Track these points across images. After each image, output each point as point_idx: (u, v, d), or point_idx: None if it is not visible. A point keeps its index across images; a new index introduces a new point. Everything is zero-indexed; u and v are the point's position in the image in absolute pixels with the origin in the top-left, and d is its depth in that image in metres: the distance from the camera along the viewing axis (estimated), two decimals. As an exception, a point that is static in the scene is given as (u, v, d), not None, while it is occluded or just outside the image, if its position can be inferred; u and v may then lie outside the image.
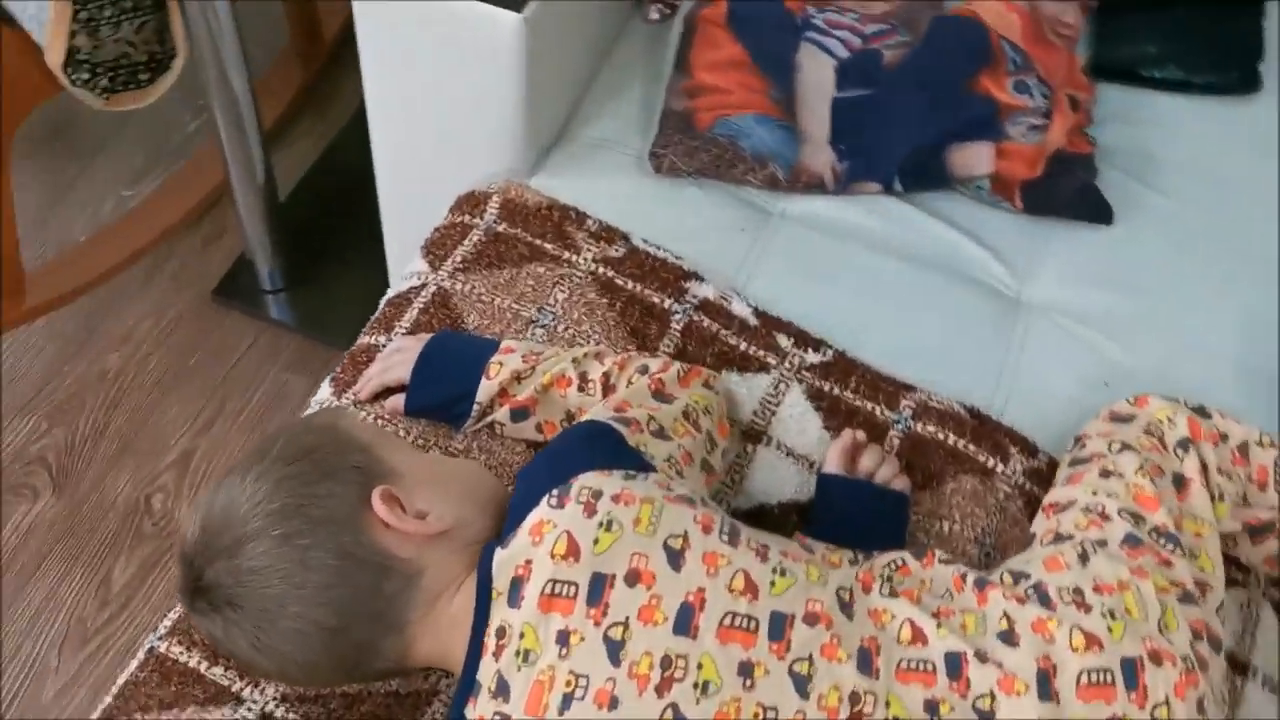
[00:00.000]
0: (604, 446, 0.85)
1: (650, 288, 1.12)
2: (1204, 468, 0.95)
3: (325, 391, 1.08)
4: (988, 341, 1.15)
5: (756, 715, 0.75)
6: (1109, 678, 0.78)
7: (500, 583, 0.79)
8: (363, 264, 1.59)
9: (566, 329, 1.09)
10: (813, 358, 1.09)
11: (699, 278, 1.13)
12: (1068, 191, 1.23)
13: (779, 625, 0.77)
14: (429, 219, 1.22)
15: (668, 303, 1.11)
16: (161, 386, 1.71)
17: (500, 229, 1.16)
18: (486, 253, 1.15)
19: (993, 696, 0.78)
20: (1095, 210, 1.24)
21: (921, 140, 1.22)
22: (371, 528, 0.82)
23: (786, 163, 1.22)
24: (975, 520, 1.00)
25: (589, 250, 1.14)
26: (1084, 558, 0.85)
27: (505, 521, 0.86)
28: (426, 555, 0.83)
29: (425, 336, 1.05)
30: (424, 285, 1.13)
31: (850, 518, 0.97)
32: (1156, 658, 0.79)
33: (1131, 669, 0.78)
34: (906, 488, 1.00)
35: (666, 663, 0.75)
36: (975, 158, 1.22)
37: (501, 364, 0.99)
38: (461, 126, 1.23)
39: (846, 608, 0.80)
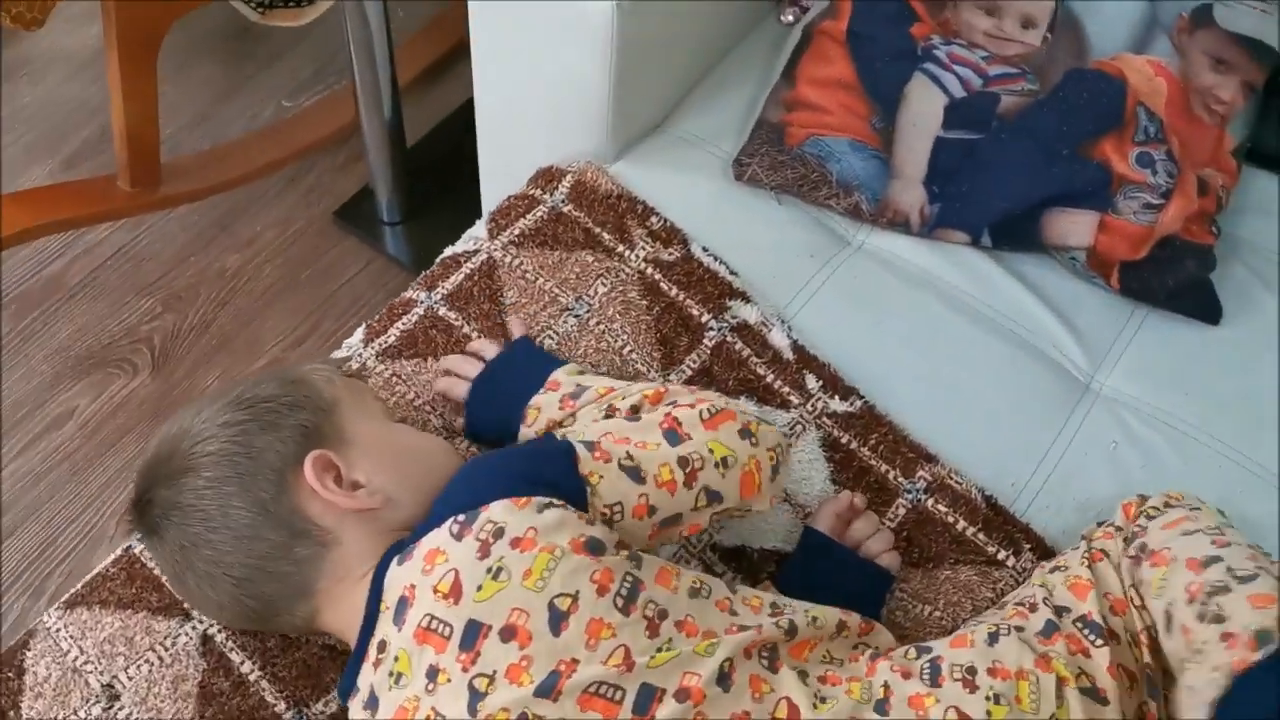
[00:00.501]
0: (545, 466, 0.82)
1: (693, 298, 1.09)
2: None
3: (357, 336, 1.10)
4: (1039, 423, 1.07)
5: None
6: None
7: (390, 597, 0.79)
8: (475, 214, 1.61)
9: (598, 323, 1.07)
10: (838, 405, 1.04)
11: (745, 298, 1.10)
12: (1172, 282, 1.13)
13: (646, 699, 0.73)
14: (518, 183, 1.22)
15: (705, 317, 1.08)
16: (270, 294, 1.78)
17: (565, 209, 1.15)
18: (544, 230, 1.14)
19: None
20: (1201, 307, 1.13)
21: (1021, 198, 1.15)
22: (298, 490, 0.83)
23: (873, 195, 1.17)
24: (958, 612, 0.94)
25: (643, 249, 1.12)
26: (993, 639, 0.81)
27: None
28: (348, 529, 0.83)
29: (494, 349, 1.02)
30: (477, 251, 1.14)
31: (826, 582, 0.92)
32: None
33: None
34: (895, 564, 0.95)
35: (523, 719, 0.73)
36: (1074, 227, 1.13)
37: (539, 410, 0.94)
38: (554, 104, 1.22)
39: (725, 679, 0.76)
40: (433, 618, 0.75)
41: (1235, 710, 0.73)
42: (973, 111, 1.17)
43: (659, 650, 0.75)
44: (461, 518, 0.78)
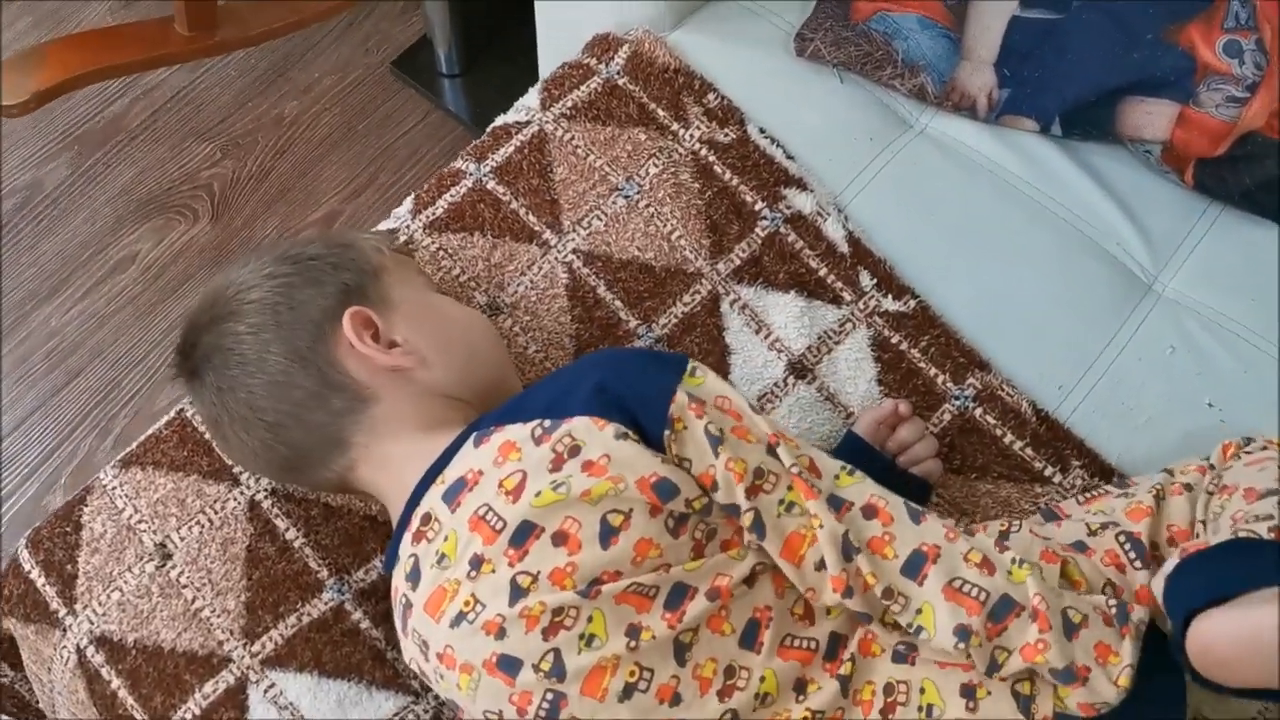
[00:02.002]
0: (640, 391, 0.79)
1: (747, 184, 1.06)
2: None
3: (406, 206, 1.10)
4: (1095, 324, 1.04)
5: (632, 674, 0.74)
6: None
7: (450, 474, 0.80)
8: (534, 71, 1.57)
9: (648, 205, 1.05)
10: (890, 304, 1.02)
11: (802, 185, 1.07)
12: (1250, 180, 1.07)
13: (679, 596, 0.76)
14: (574, 47, 1.19)
15: (759, 205, 1.05)
16: (327, 144, 1.77)
17: (620, 82, 1.12)
18: (598, 104, 1.11)
19: (853, 660, 0.77)
20: (1278, 208, 1.08)
21: (1097, 84, 1.09)
22: (336, 343, 0.86)
23: (940, 76, 1.12)
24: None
25: (698, 128, 1.09)
26: (1004, 535, 0.82)
27: (491, 392, 0.88)
28: (385, 387, 0.85)
29: None
30: (528, 122, 1.11)
31: None
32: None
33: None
34: (936, 471, 0.95)
35: (558, 612, 0.75)
36: (1151, 118, 1.08)
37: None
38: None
39: (751, 578, 0.77)
40: (490, 509, 0.77)
41: (1175, 582, 0.73)
42: (1054, -11, 1.10)
43: (703, 557, 0.77)
44: (547, 423, 0.79)
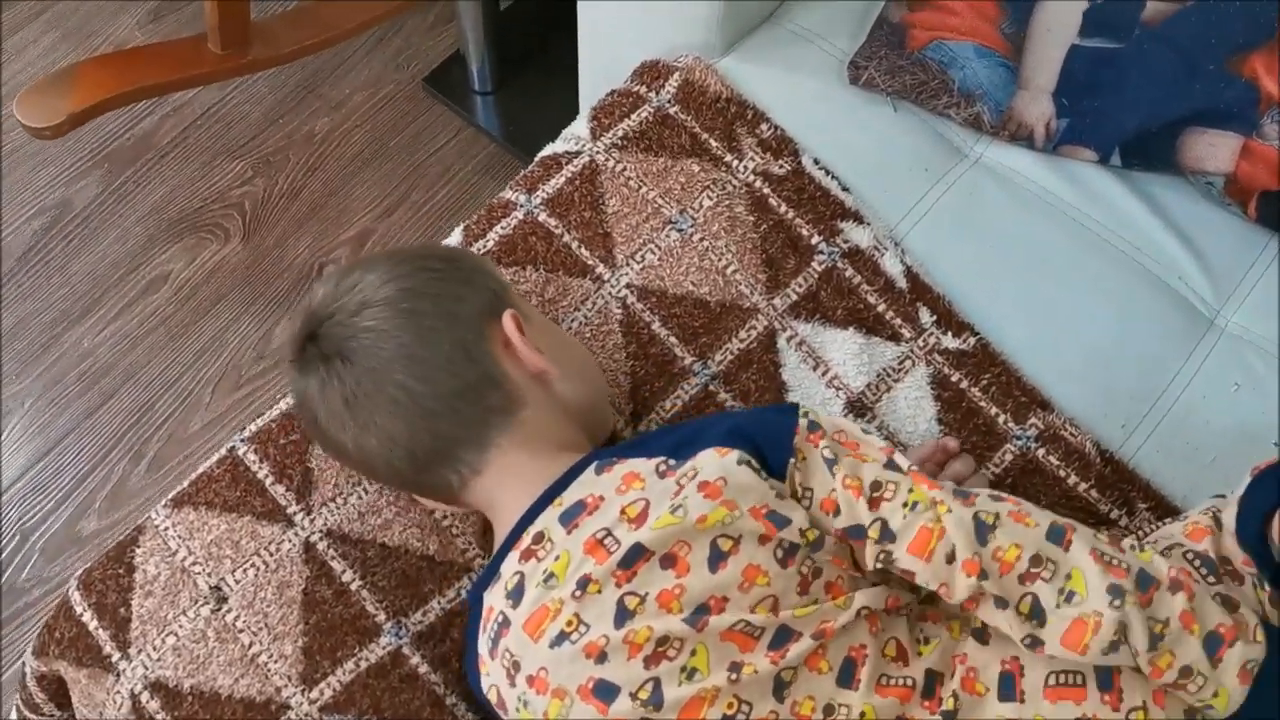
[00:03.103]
0: (764, 426, 0.82)
1: (803, 218, 1.05)
2: None
3: (455, 237, 1.08)
4: (1158, 360, 1.03)
5: (730, 706, 0.74)
6: (1079, 679, 0.75)
7: (568, 497, 0.81)
8: (570, 88, 1.55)
9: (702, 239, 1.04)
10: (950, 342, 1.00)
11: (858, 219, 1.05)
12: (1314, 213, 1.06)
13: (783, 638, 0.76)
14: (618, 70, 1.17)
15: (816, 239, 1.04)
16: (359, 161, 1.76)
17: (671, 111, 1.11)
18: (649, 134, 1.09)
19: (955, 698, 0.76)
20: (1341, 241, 1.07)
21: (1158, 115, 1.07)
22: (493, 341, 0.86)
23: (997, 105, 1.10)
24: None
25: (752, 159, 1.07)
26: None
27: (596, 422, 0.91)
28: (532, 392, 0.86)
29: None
30: (579, 153, 1.10)
31: None
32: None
33: (1107, 672, 0.75)
34: None
35: (663, 641, 0.75)
36: (1214, 150, 1.06)
37: None
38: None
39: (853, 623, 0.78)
40: (609, 533, 0.77)
41: (1250, 494, 0.80)
42: (1115, 17, 1.08)
43: (804, 605, 0.77)
44: (672, 462, 0.80)
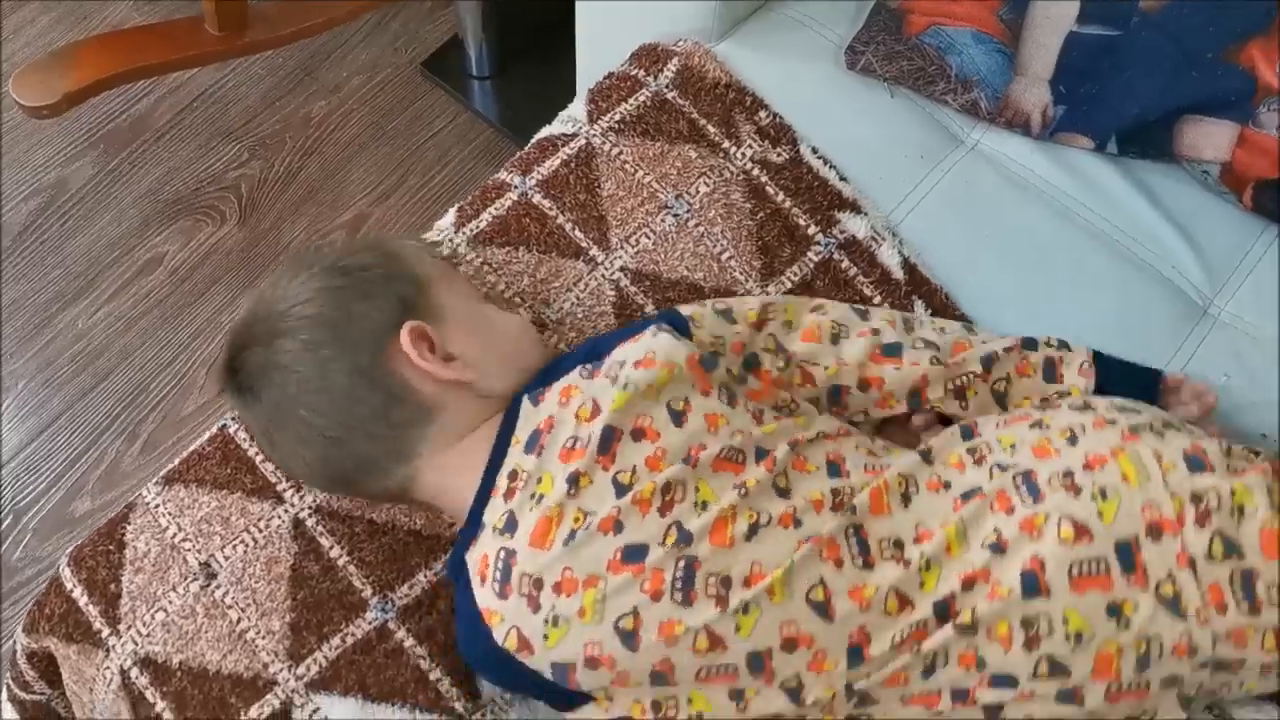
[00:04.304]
0: (661, 319, 0.89)
1: (800, 207, 1.05)
2: None
3: (448, 219, 1.08)
4: (1150, 348, 1.02)
5: (750, 516, 0.79)
6: (1102, 566, 0.76)
7: (521, 433, 0.83)
8: (568, 75, 1.55)
9: (698, 225, 1.04)
10: (943, 327, 1.00)
11: (856, 208, 1.05)
12: (1309, 202, 1.06)
13: (761, 455, 0.82)
14: (616, 55, 1.17)
15: (813, 229, 1.04)
16: (355, 145, 1.76)
17: (669, 95, 1.10)
18: (646, 118, 1.09)
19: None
20: (1336, 231, 1.07)
21: (1155, 103, 1.07)
22: (395, 358, 0.86)
23: (994, 92, 1.10)
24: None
25: (750, 146, 1.07)
26: (1072, 440, 0.82)
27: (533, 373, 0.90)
28: (446, 396, 0.86)
29: None
30: (575, 135, 1.09)
31: None
32: (1155, 530, 0.77)
33: (1127, 551, 0.76)
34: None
35: (667, 489, 0.80)
36: (1209, 139, 1.06)
37: None
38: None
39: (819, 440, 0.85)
40: (575, 439, 0.82)
41: None
42: (1112, 5, 1.08)
43: (767, 425, 0.84)
44: (590, 365, 0.85)
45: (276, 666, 0.90)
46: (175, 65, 1.63)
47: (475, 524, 0.84)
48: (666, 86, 1.11)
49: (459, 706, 0.89)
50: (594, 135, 1.09)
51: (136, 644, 0.91)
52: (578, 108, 1.12)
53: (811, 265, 1.02)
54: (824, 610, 0.77)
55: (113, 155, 1.74)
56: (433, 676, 0.90)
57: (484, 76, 1.76)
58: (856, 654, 0.78)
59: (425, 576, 0.93)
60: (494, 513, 0.83)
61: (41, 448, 1.54)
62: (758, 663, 0.78)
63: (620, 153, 1.07)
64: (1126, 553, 0.76)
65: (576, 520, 0.79)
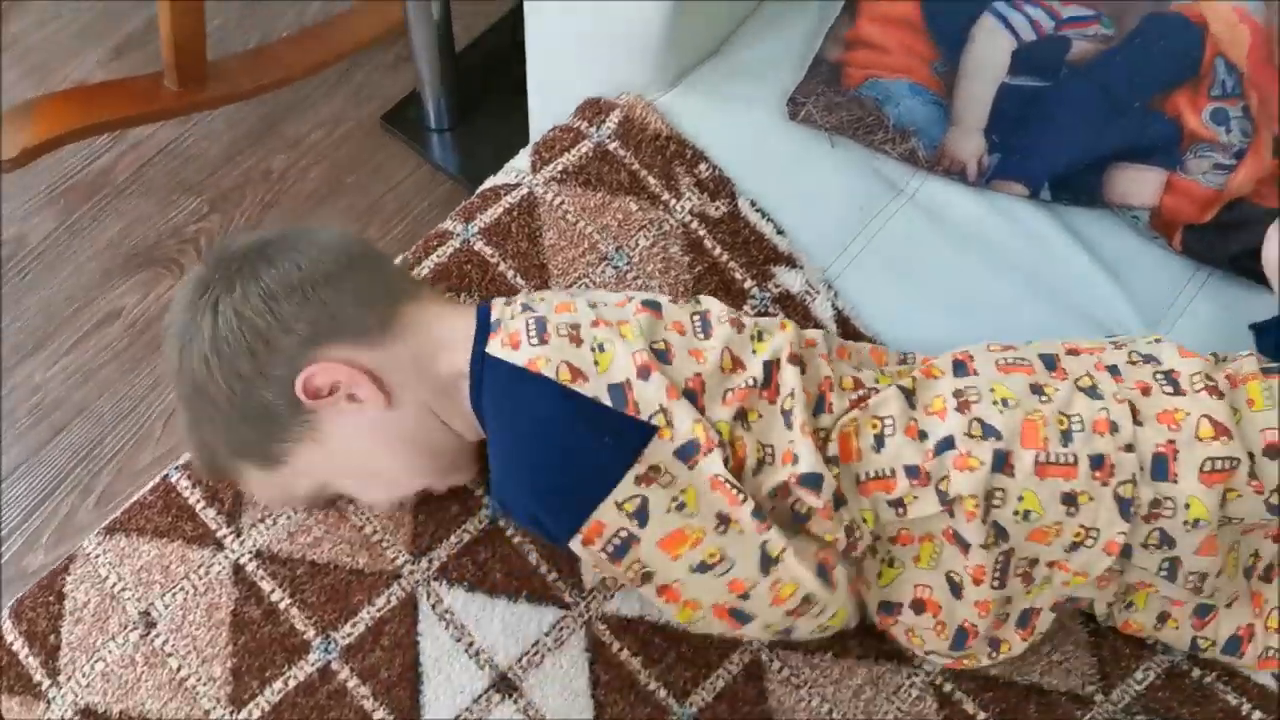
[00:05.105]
0: None
1: (737, 261, 1.07)
2: None
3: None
4: (1085, 390, 1.04)
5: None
6: (1024, 361, 0.89)
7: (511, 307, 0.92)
8: (524, 127, 1.57)
9: (637, 278, 1.05)
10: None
11: (792, 263, 1.07)
12: (1237, 247, 1.08)
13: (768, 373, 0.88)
14: (566, 107, 1.19)
15: (749, 284, 1.06)
16: (315, 198, 1.77)
17: (611, 147, 1.12)
18: (588, 169, 1.11)
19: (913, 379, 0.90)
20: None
21: (1085, 151, 1.10)
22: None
23: (931, 141, 1.12)
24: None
25: (689, 199, 1.09)
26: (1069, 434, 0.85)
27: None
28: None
29: None
30: (518, 185, 1.11)
31: None
32: (1074, 352, 0.91)
33: (1049, 360, 0.90)
34: None
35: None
36: (1138, 185, 1.09)
37: None
38: (607, 20, 1.17)
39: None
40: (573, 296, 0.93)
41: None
42: (1041, 57, 1.11)
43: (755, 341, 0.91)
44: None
45: (218, 713, 0.89)
46: (135, 121, 1.65)
47: (486, 323, 0.89)
48: (609, 138, 1.13)
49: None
50: (536, 185, 1.10)
51: (76, 695, 0.91)
52: (522, 159, 1.14)
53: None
54: None
55: (73, 210, 1.75)
56: (376, 717, 0.90)
57: (443, 129, 1.78)
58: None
59: (368, 613, 0.93)
60: (506, 313, 0.89)
61: (-5, 502, 1.53)
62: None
63: (562, 202, 1.09)
64: (1049, 361, 0.89)
65: (593, 304, 0.89)
